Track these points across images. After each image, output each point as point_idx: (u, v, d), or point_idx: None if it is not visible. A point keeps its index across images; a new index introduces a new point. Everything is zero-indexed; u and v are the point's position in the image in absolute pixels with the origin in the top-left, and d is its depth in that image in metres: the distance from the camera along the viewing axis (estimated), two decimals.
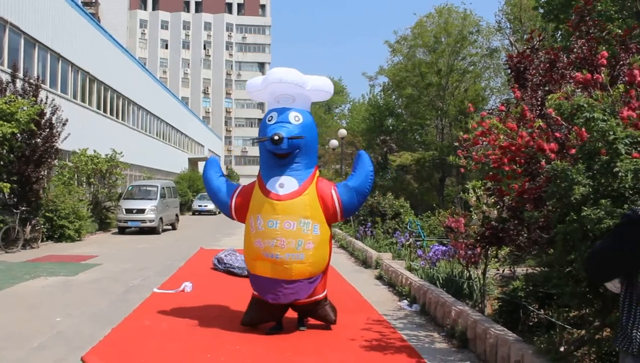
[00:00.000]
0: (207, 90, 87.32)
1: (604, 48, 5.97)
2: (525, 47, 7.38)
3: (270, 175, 6.97)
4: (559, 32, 19.63)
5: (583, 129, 4.57)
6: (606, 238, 2.77)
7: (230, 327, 7.26)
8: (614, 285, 2.75)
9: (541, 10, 22.20)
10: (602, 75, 5.00)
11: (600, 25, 6.53)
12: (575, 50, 6.28)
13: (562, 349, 4.95)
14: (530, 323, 6.56)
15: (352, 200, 7.05)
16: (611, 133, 4.14)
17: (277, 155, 6.89)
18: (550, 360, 4.80)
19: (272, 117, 7.03)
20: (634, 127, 4.46)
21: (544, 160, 5.45)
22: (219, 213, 39.95)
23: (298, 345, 6.61)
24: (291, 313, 7.31)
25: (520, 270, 9.17)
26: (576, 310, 5.39)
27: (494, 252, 8.11)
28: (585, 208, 3.98)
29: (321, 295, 7.11)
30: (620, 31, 6.43)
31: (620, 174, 4.01)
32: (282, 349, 6.42)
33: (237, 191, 7.36)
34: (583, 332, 5.13)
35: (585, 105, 4.42)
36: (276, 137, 6.66)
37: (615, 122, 4.36)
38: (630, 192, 4.01)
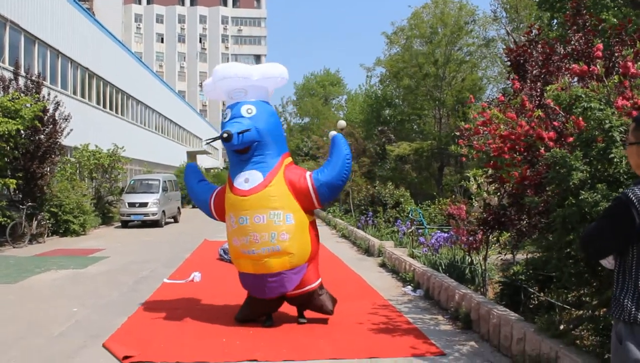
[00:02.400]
0: (204, 84, 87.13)
1: (599, 41, 6.21)
2: (524, 40, 7.61)
3: (236, 172, 6.91)
4: (555, 21, 19.81)
5: (580, 118, 4.82)
6: (599, 219, 3.03)
7: None
8: (608, 262, 3.02)
9: (536, 0, 22.42)
10: (598, 67, 5.25)
11: (595, 19, 6.76)
12: (572, 42, 6.53)
13: (561, 327, 5.22)
14: (531, 306, 6.80)
15: (327, 189, 6.87)
16: (607, 121, 4.40)
17: (237, 151, 6.82)
18: (551, 336, 5.07)
19: (226, 114, 6.96)
20: (628, 115, 4.72)
21: (542, 148, 5.70)
22: None
23: (309, 328, 6.88)
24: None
25: (520, 256, 9.44)
26: (575, 291, 5.65)
27: (495, 237, 8.37)
28: (583, 193, 4.25)
29: (314, 285, 6.98)
30: (615, 20, 6.66)
31: (615, 160, 4.29)
32: (294, 332, 6.71)
33: (215, 192, 7.33)
34: (582, 312, 5.39)
35: (583, 96, 4.68)
36: (225, 135, 6.60)
37: (610, 111, 4.62)
38: (625, 176, 4.29)
